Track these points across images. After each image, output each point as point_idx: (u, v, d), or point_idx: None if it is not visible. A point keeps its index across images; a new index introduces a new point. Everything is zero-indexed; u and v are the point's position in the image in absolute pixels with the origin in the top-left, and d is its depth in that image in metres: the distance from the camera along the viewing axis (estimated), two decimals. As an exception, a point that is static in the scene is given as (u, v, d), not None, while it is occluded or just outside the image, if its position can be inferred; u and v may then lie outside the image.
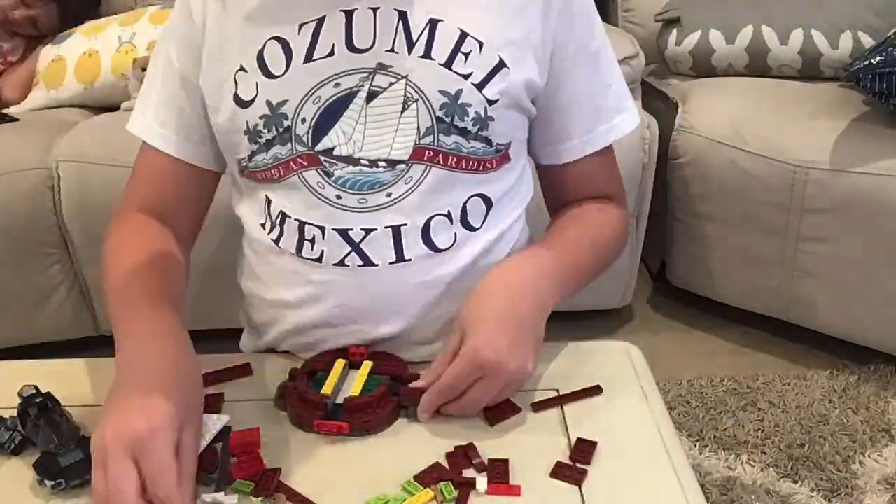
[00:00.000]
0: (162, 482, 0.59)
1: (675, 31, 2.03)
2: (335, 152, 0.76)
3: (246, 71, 0.77)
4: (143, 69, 1.90)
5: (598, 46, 0.87)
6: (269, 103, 0.77)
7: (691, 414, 1.67)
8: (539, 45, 0.80)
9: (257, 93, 0.77)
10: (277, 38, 0.76)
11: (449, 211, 0.79)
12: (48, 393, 0.71)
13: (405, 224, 0.78)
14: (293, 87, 0.76)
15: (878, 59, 1.61)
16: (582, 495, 0.63)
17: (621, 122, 0.88)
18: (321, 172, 0.77)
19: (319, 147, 0.76)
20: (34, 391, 0.71)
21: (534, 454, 0.68)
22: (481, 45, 0.76)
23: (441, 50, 0.75)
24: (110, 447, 0.60)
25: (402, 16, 0.76)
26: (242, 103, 0.78)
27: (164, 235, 0.85)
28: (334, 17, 0.76)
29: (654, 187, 1.82)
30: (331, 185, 0.77)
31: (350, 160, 0.76)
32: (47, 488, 0.65)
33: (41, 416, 0.68)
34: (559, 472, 0.66)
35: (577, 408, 0.73)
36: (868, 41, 1.91)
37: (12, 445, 0.69)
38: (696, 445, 1.58)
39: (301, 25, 0.76)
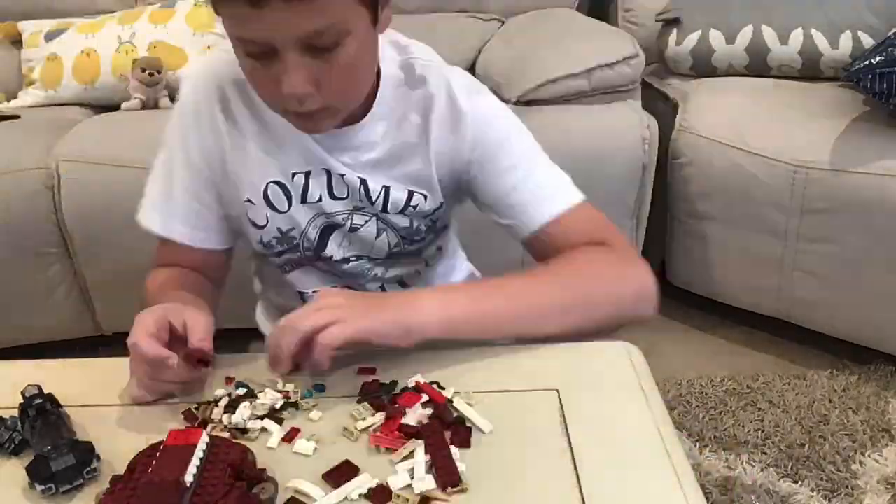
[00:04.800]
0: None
1: (675, 31, 2.04)
2: (333, 258, 0.98)
3: (254, 203, 0.94)
4: (143, 69, 1.91)
5: (507, 151, 0.93)
6: (279, 229, 0.95)
7: (691, 414, 1.67)
8: (459, 175, 0.94)
9: (268, 221, 0.95)
10: (277, 182, 0.93)
11: (416, 270, 1.05)
12: (50, 394, 0.71)
13: (383, 286, 1.04)
14: (297, 218, 0.95)
15: (878, 59, 1.61)
16: (582, 495, 0.63)
17: (554, 201, 0.92)
18: (326, 265, 1.00)
19: (323, 255, 0.98)
20: (36, 391, 0.70)
21: (533, 455, 0.68)
22: (425, 196, 0.95)
23: (395, 206, 0.95)
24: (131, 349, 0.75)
25: (363, 182, 0.93)
26: (256, 226, 0.96)
27: (192, 273, 0.99)
28: (318, 172, 0.93)
29: (654, 187, 1.82)
30: (334, 273, 1.01)
31: (344, 261, 0.99)
32: (38, 492, 0.64)
33: (38, 419, 0.68)
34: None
35: (577, 408, 0.73)
36: (868, 41, 1.91)
37: (12, 445, 0.69)
38: (696, 445, 1.58)
39: (294, 174, 0.93)
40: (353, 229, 0.96)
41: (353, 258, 1.00)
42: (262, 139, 0.92)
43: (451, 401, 0.74)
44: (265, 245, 0.97)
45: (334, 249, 0.98)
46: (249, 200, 0.94)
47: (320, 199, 0.94)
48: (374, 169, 0.93)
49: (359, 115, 0.91)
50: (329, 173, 0.93)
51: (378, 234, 0.97)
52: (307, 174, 0.93)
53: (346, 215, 0.95)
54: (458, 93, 0.92)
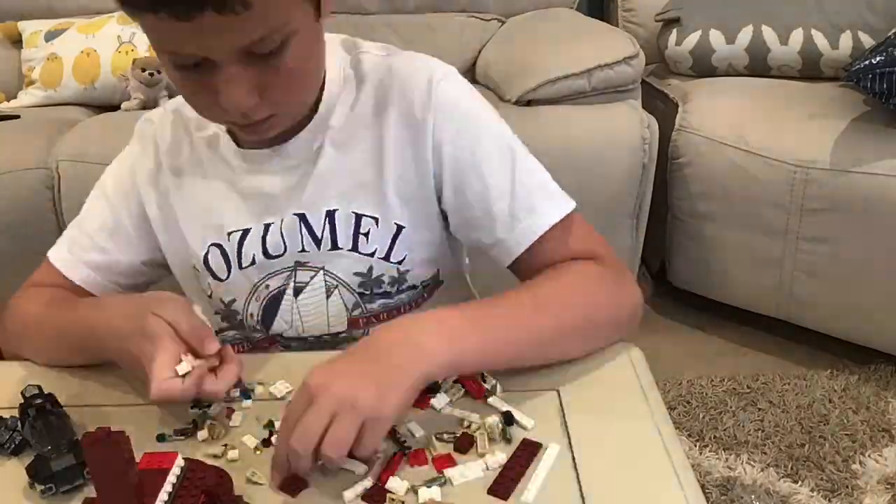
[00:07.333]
0: None
1: (675, 31, 2.04)
2: (285, 335, 0.87)
3: (198, 270, 0.86)
4: (143, 69, 1.91)
5: (485, 153, 0.79)
6: (221, 300, 0.87)
7: (691, 414, 1.67)
8: (427, 185, 0.81)
9: (212, 291, 0.87)
10: (216, 245, 0.84)
11: None
12: (50, 394, 0.71)
13: None
14: (236, 289, 0.85)
15: (878, 59, 1.61)
16: (582, 495, 0.63)
17: (541, 214, 0.79)
18: (281, 346, 0.89)
19: (271, 332, 0.87)
20: (37, 391, 0.70)
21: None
22: (376, 220, 0.81)
23: (344, 237, 0.82)
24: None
25: (302, 217, 0.81)
26: (204, 295, 0.87)
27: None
28: (257, 228, 0.83)
29: (654, 187, 1.82)
30: (292, 349, 0.88)
31: (299, 339, 0.87)
32: (38, 492, 0.64)
33: (38, 419, 0.68)
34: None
35: (577, 408, 0.73)
36: (868, 41, 1.92)
37: (12, 446, 0.69)
38: (696, 445, 1.58)
39: (230, 233, 0.83)
40: (298, 290, 0.83)
41: (311, 338, 0.86)
42: (203, 187, 0.84)
43: (487, 396, 0.73)
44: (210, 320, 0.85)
45: (283, 326, 0.85)
46: (195, 267, 0.86)
47: (254, 262, 0.83)
48: (314, 190, 0.81)
49: (301, 124, 0.80)
50: (267, 227, 0.82)
51: (329, 293, 0.83)
52: (245, 232, 0.83)
53: (287, 275, 0.83)
54: (417, 81, 0.78)
